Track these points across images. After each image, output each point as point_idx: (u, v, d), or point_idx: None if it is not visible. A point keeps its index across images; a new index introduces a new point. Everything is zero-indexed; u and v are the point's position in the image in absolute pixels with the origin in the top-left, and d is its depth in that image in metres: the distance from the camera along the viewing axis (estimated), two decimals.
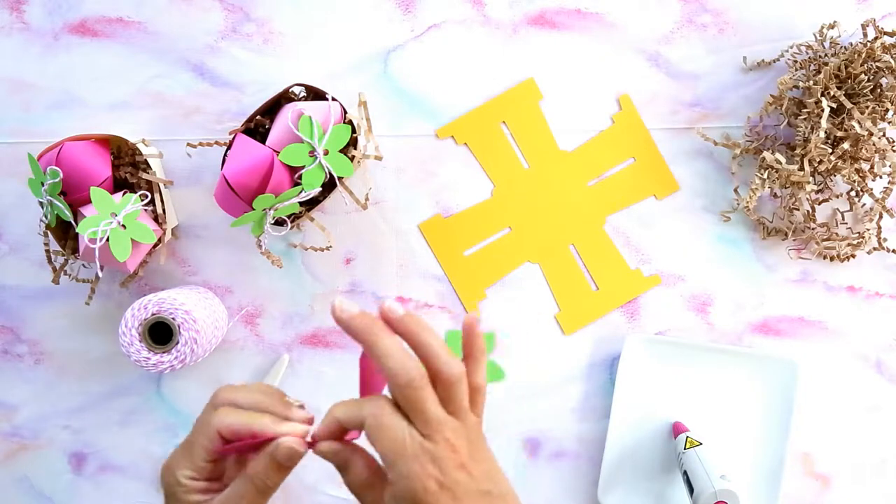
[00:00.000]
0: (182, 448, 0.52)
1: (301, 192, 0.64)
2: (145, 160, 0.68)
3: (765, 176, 0.69)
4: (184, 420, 0.75)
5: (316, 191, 0.64)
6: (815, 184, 0.69)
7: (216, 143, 0.67)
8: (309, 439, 0.48)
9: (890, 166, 0.68)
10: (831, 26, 0.69)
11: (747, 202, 0.69)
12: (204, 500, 0.50)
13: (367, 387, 0.58)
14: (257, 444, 0.49)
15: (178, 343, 0.65)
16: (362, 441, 0.48)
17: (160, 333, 0.66)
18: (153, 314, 0.65)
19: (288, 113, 0.64)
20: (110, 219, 0.63)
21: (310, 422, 0.50)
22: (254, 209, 0.63)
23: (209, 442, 0.50)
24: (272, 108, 0.66)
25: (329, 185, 0.65)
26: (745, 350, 0.73)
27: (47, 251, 0.69)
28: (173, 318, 0.65)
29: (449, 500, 0.47)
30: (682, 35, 0.73)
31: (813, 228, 0.72)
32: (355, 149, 0.66)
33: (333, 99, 0.65)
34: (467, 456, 0.48)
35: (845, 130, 0.66)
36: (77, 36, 0.74)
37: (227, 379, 0.75)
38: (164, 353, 0.65)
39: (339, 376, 0.75)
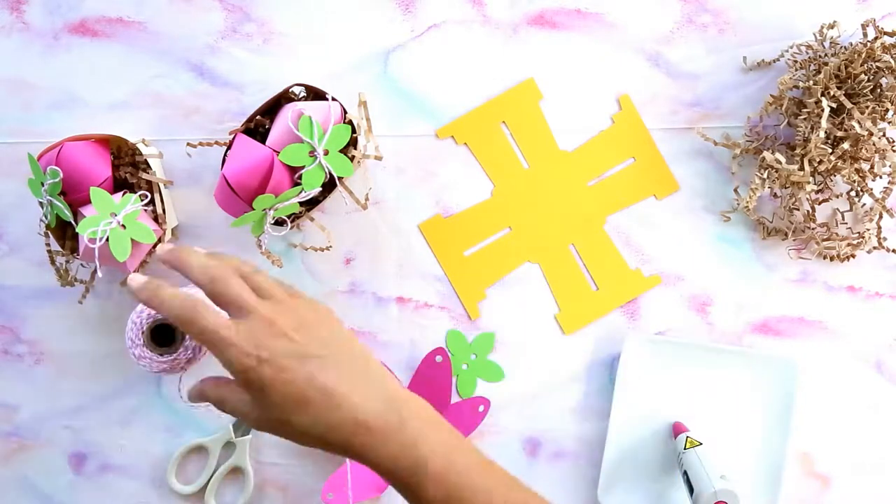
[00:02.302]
0: None
1: (301, 192, 0.64)
2: (145, 160, 0.68)
3: (765, 176, 0.69)
4: (184, 420, 0.75)
5: (316, 191, 0.64)
6: (815, 184, 0.69)
7: (216, 143, 0.67)
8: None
9: (890, 166, 0.68)
10: (831, 26, 0.69)
11: (747, 202, 0.69)
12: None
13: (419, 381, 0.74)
14: None
15: (183, 343, 0.65)
16: None
17: (164, 335, 0.66)
18: (154, 317, 0.66)
19: (288, 113, 0.64)
20: (110, 219, 0.63)
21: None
22: (254, 209, 0.63)
23: None
24: (272, 108, 0.66)
25: (329, 185, 0.65)
26: (745, 350, 0.73)
27: (49, 252, 0.69)
28: None
29: (271, 371, 0.48)
30: (682, 35, 0.73)
31: (813, 228, 0.72)
32: (355, 149, 0.66)
33: (333, 99, 0.65)
34: (290, 327, 0.50)
35: (845, 130, 0.66)
36: (77, 36, 0.74)
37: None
38: (170, 354, 0.66)
39: None
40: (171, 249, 0.53)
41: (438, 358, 0.73)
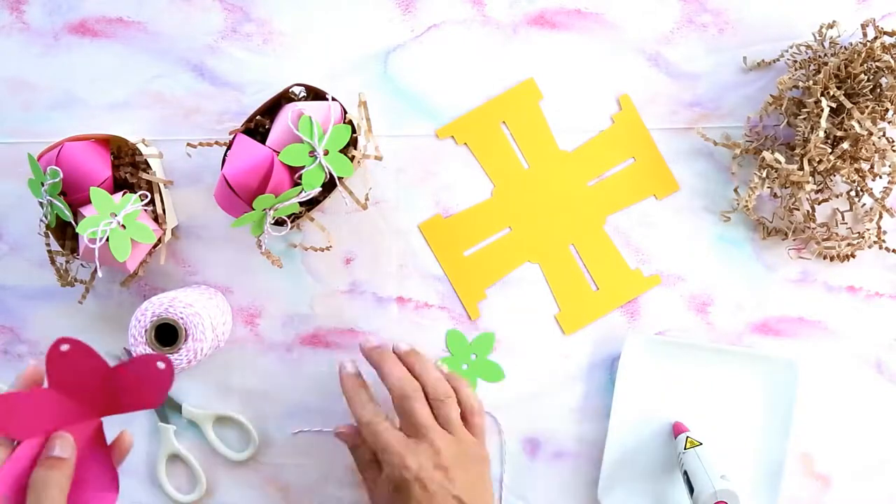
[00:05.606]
0: None
1: (301, 192, 0.64)
2: (145, 160, 0.68)
3: (764, 176, 0.69)
4: (183, 420, 0.75)
5: (316, 191, 0.64)
6: (814, 184, 0.69)
7: (216, 143, 0.67)
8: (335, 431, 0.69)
9: (890, 166, 0.68)
10: (831, 26, 0.69)
11: (746, 201, 0.69)
12: None
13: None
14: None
15: (184, 344, 0.65)
16: None
17: (167, 335, 0.66)
18: (159, 316, 0.66)
19: (288, 113, 0.64)
20: (110, 219, 0.63)
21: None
22: (254, 209, 0.63)
23: None
24: (272, 108, 0.66)
25: (329, 185, 0.65)
26: (745, 350, 0.73)
27: (49, 252, 0.69)
28: (181, 319, 0.65)
29: (420, 491, 0.59)
30: (682, 35, 0.73)
31: (813, 228, 0.72)
32: (355, 149, 0.66)
33: (333, 99, 0.65)
34: (450, 461, 0.60)
35: (845, 130, 0.66)
36: (77, 36, 0.74)
37: (226, 379, 0.75)
38: (171, 354, 0.65)
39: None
40: (376, 348, 0.67)
41: (161, 364, 0.55)
